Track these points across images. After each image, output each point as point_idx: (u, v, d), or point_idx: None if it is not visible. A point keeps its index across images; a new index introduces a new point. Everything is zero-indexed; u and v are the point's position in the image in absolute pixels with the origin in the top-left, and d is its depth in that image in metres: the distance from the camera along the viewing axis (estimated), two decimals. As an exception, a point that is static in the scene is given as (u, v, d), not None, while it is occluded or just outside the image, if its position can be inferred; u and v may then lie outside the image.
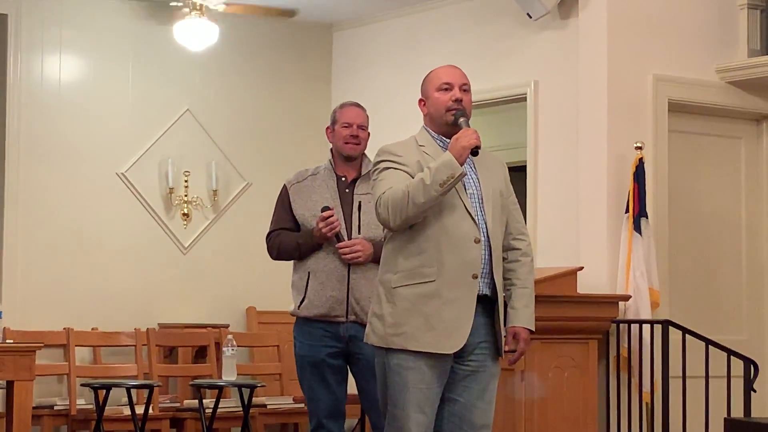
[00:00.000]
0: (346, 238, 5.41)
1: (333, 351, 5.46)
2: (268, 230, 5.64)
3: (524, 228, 4.70)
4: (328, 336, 5.45)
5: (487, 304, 4.49)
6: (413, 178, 4.39)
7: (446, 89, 4.54)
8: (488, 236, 4.47)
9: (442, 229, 4.41)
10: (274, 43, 9.30)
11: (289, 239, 5.52)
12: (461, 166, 4.34)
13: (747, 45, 7.72)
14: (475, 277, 4.41)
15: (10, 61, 8.34)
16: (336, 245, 5.39)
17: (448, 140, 4.52)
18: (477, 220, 4.45)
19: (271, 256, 5.65)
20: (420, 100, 4.62)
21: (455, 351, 4.41)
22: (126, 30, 8.72)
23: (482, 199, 4.51)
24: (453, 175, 4.31)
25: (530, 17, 7.75)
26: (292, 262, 5.62)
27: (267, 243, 5.62)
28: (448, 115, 4.52)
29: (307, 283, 5.46)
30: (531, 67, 7.95)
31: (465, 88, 4.57)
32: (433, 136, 4.56)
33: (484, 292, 4.46)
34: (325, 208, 5.38)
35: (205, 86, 9.04)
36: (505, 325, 4.55)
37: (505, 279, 4.60)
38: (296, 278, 5.55)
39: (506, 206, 4.63)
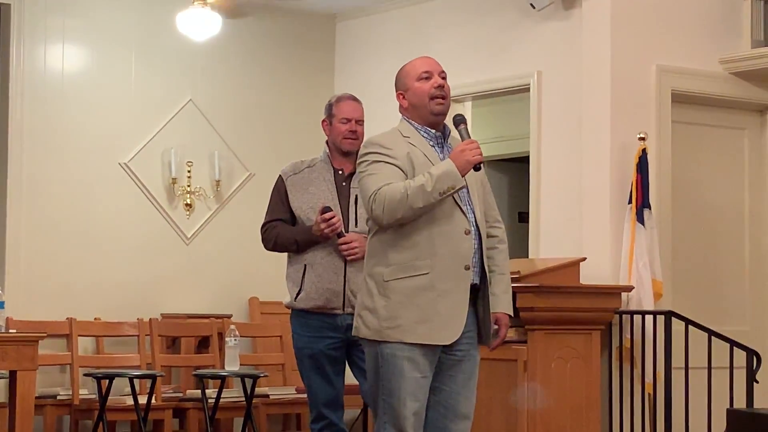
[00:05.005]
0: (345, 233, 5.41)
1: (332, 343, 5.47)
2: (263, 220, 5.64)
3: (499, 215, 4.77)
4: (326, 327, 5.45)
5: (472, 293, 4.53)
6: (403, 172, 4.44)
7: (426, 78, 4.58)
8: (477, 227, 4.53)
9: (433, 222, 4.44)
10: (277, 34, 9.29)
11: (287, 234, 5.51)
12: (463, 177, 4.39)
13: (751, 36, 7.71)
14: (467, 268, 4.47)
15: (13, 50, 8.33)
16: (337, 242, 5.39)
17: (432, 130, 4.59)
18: (466, 212, 4.51)
19: (266, 248, 5.64)
20: (398, 94, 4.64)
21: (451, 342, 4.46)
22: (129, 20, 8.72)
23: (469, 191, 4.56)
24: (454, 186, 4.37)
25: (534, 8, 7.74)
26: (286, 253, 5.62)
27: (262, 234, 5.62)
28: (433, 104, 4.56)
29: (304, 275, 5.46)
30: (534, 58, 7.94)
31: (443, 76, 4.62)
32: (416, 127, 4.60)
33: (474, 281, 4.52)
34: (327, 209, 5.38)
35: (208, 76, 9.04)
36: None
37: None
38: (292, 270, 5.54)
39: (484, 195, 4.68)
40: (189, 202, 8.90)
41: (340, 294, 5.41)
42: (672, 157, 7.49)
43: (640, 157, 7.14)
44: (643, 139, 7.17)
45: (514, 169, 9.91)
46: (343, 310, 5.41)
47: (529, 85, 7.97)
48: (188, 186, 8.89)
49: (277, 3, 8.82)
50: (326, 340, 5.46)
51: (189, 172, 8.90)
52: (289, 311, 5.62)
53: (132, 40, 8.74)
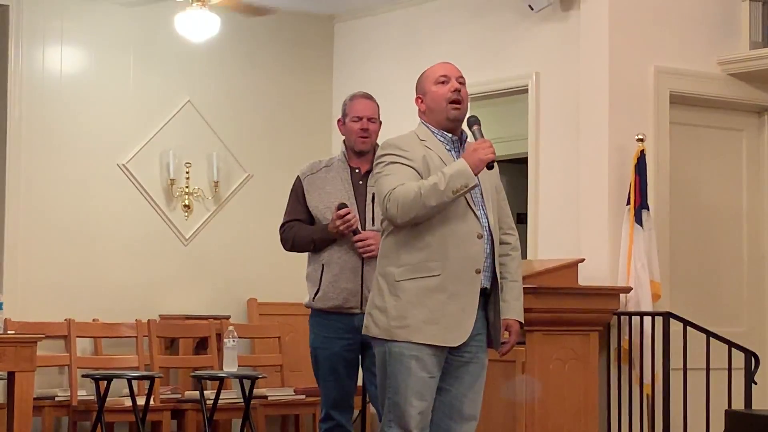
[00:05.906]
0: (361, 231, 5.42)
1: (349, 344, 5.47)
2: (281, 221, 5.66)
3: (513, 223, 4.83)
4: (343, 328, 5.46)
5: (482, 297, 4.58)
6: (419, 173, 4.49)
7: (444, 82, 4.63)
8: (490, 231, 4.58)
9: (446, 225, 4.49)
10: (275, 35, 9.29)
11: (304, 233, 5.52)
12: (476, 176, 4.43)
13: (749, 37, 7.71)
14: (477, 272, 4.52)
15: (12, 52, 8.33)
16: (353, 239, 5.40)
17: (448, 134, 4.64)
18: (479, 217, 4.55)
19: (285, 248, 5.67)
20: (417, 98, 4.69)
21: (458, 344, 4.50)
22: (127, 21, 8.71)
23: (483, 195, 4.61)
24: (467, 184, 4.41)
25: (531, 9, 7.74)
26: (301, 254, 5.63)
27: (280, 234, 5.64)
28: (450, 108, 4.61)
29: (321, 275, 5.48)
30: (532, 59, 7.94)
31: (461, 81, 4.67)
32: (433, 131, 4.65)
33: (484, 285, 4.57)
34: (342, 206, 5.39)
35: (207, 78, 9.04)
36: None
37: None
38: (310, 270, 5.56)
39: (499, 202, 4.73)
40: (187, 203, 8.90)
41: (357, 293, 5.42)
42: (670, 159, 7.49)
43: (638, 159, 7.14)
44: (641, 140, 7.18)
45: (512, 171, 9.90)
46: (361, 309, 5.39)
47: (527, 86, 7.97)
48: (186, 187, 8.89)
49: (276, 4, 8.81)
50: (342, 341, 5.47)
51: (187, 173, 8.89)
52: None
53: (130, 42, 8.73)
